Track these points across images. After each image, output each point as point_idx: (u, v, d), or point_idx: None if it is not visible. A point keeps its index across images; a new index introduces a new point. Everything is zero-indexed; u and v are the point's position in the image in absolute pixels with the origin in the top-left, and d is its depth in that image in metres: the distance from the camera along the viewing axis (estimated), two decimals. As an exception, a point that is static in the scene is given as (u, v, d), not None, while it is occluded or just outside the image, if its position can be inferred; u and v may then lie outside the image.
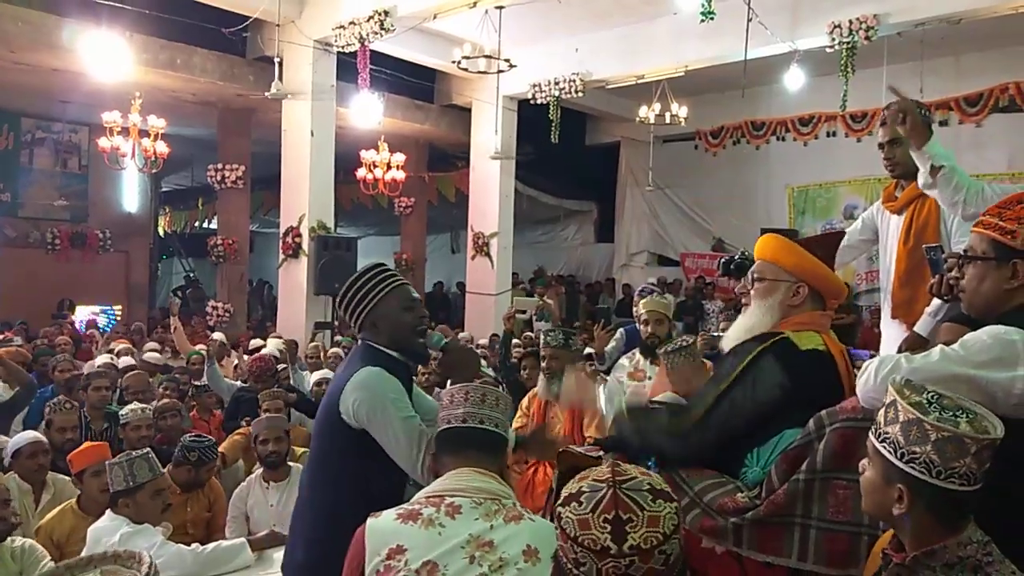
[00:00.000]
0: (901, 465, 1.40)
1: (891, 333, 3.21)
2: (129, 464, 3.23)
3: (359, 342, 2.48)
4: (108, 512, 3.23)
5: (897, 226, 3.14)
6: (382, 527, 1.72)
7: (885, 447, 1.43)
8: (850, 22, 8.12)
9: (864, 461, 1.53)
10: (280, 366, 6.12)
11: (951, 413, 1.41)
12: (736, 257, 3.06)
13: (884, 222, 3.26)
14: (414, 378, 2.56)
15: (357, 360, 2.38)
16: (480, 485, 1.77)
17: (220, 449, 4.54)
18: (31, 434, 4.03)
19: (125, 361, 6.64)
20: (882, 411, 1.47)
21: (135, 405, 4.53)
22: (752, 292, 2.20)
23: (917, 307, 3.01)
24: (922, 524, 1.43)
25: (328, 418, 2.35)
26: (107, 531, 3.12)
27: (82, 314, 12.86)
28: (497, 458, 1.85)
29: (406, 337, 2.37)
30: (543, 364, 4.08)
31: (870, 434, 1.50)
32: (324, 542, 2.27)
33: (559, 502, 1.23)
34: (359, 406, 2.24)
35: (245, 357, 7.47)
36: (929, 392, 1.46)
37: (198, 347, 7.51)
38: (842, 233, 2.40)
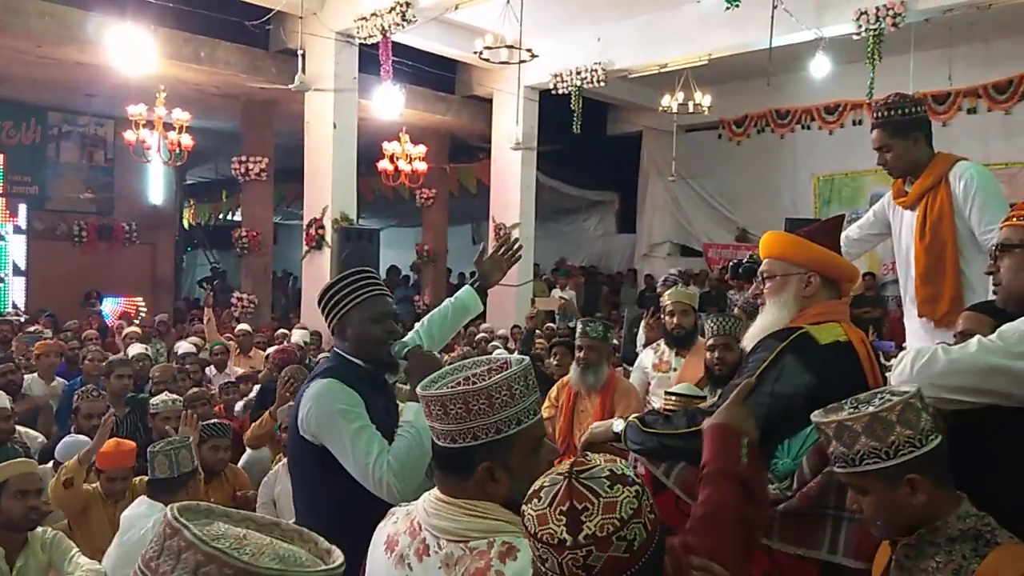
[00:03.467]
0: (894, 461, 1.48)
1: (918, 331, 3.14)
2: (152, 455, 3.29)
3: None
4: (142, 499, 3.29)
5: (911, 222, 3.07)
6: (375, 550, 1.53)
7: (869, 463, 1.50)
8: (877, 8, 8.00)
9: (853, 498, 1.58)
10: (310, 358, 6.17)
11: (878, 398, 1.53)
12: (744, 261, 3.03)
13: (896, 217, 3.19)
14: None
15: (320, 370, 2.38)
16: (441, 524, 1.42)
17: (246, 436, 4.59)
18: (80, 438, 4.05)
19: (186, 348, 6.77)
20: (835, 446, 1.54)
21: (166, 396, 4.57)
22: (765, 291, 2.20)
23: (942, 303, 2.96)
24: (937, 499, 1.50)
25: (292, 434, 2.30)
26: (141, 516, 3.17)
27: (108, 305, 13.03)
28: (461, 478, 1.43)
29: (370, 349, 2.32)
30: (580, 355, 4.04)
31: (844, 472, 1.55)
32: None
33: (524, 500, 1.21)
34: (310, 420, 2.20)
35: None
36: (846, 402, 1.58)
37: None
38: (842, 217, 2.36)
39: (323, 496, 2.23)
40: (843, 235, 3.38)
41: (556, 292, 12.13)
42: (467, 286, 2.83)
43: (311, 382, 2.29)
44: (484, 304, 2.90)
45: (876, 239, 3.42)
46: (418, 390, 1.48)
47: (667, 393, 3.10)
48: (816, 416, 1.59)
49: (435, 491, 1.48)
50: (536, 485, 1.20)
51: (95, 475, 3.71)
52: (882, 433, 1.47)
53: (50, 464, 3.97)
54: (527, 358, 1.53)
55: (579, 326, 4.19)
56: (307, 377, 2.47)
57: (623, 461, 1.22)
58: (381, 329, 2.30)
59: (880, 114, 3.01)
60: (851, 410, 1.54)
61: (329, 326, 2.38)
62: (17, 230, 12.42)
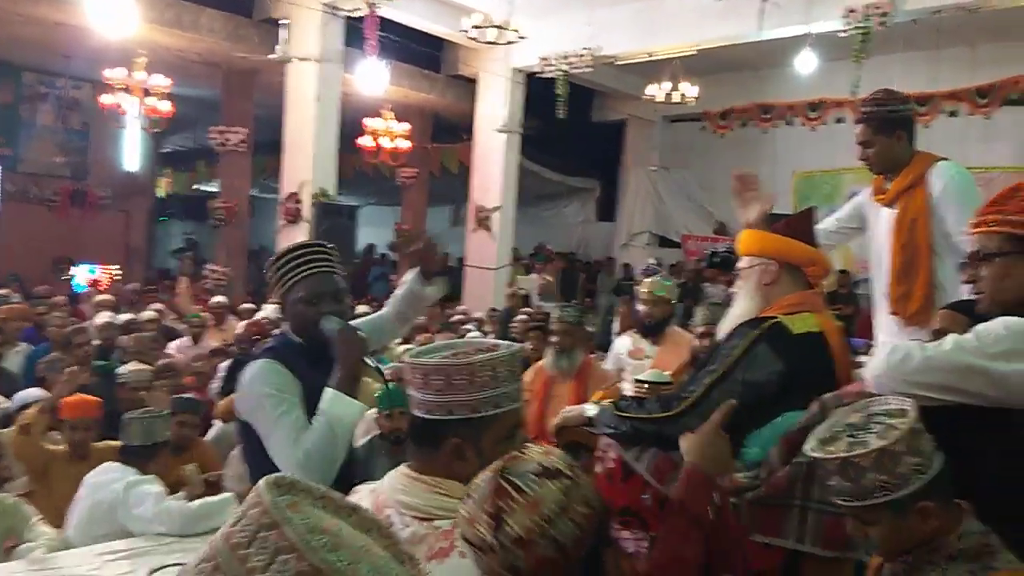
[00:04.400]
0: (905, 491, 1.42)
1: (888, 327, 3.17)
2: (128, 422, 3.27)
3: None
4: (112, 464, 3.28)
5: (888, 220, 3.08)
6: None
7: (878, 496, 1.43)
8: (865, 7, 8.03)
9: (855, 531, 1.53)
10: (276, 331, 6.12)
11: (878, 427, 1.47)
12: (721, 250, 3.04)
13: (874, 213, 3.20)
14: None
15: (262, 349, 2.39)
16: (406, 499, 1.42)
17: (217, 409, 4.55)
18: (37, 392, 4.03)
19: (124, 318, 6.66)
20: (838, 481, 1.48)
21: (135, 365, 4.51)
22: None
23: (913, 301, 2.99)
24: (944, 521, 1.46)
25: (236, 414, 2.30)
26: (114, 481, 3.15)
27: (82, 274, 12.82)
28: (431, 450, 1.44)
29: (306, 329, 2.20)
30: (554, 339, 4.07)
31: (849, 506, 1.48)
32: None
33: (463, 500, 1.20)
34: (242, 401, 2.19)
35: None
36: (838, 432, 1.52)
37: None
38: (811, 209, 2.39)
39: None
40: (819, 227, 3.41)
41: (534, 276, 12.13)
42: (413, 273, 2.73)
43: (252, 361, 2.24)
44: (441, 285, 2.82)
45: (853, 233, 3.44)
46: (404, 358, 1.47)
47: (636, 380, 3.13)
48: (813, 450, 1.54)
49: (403, 467, 1.47)
50: (473, 484, 1.19)
51: (60, 427, 3.68)
52: (891, 465, 1.42)
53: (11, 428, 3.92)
54: (518, 345, 1.53)
55: (553, 311, 4.21)
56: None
57: (560, 453, 1.19)
58: (315, 311, 2.16)
59: (866, 109, 3.01)
60: (850, 440, 1.48)
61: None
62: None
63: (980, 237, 1.78)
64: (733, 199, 2.58)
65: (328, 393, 2.05)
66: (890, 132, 2.95)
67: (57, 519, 3.27)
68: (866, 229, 3.31)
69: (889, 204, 3.07)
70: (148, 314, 7.20)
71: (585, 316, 4.25)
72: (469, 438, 1.40)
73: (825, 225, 3.41)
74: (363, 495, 1.53)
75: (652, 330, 4.41)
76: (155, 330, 6.66)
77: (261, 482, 0.76)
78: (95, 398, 3.78)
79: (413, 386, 1.44)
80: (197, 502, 3.29)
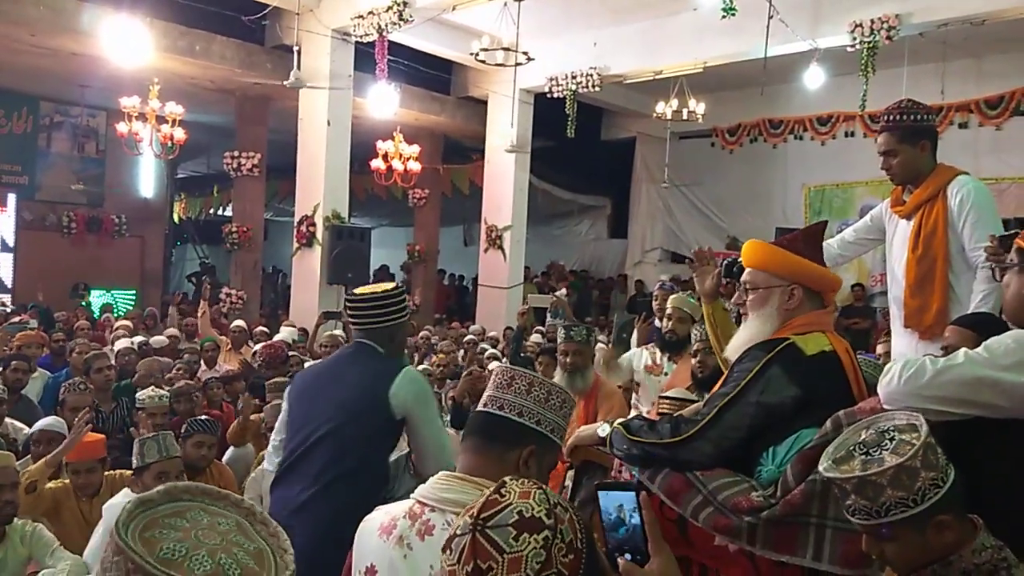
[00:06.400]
0: (922, 507, 1.41)
1: (903, 341, 3.16)
2: (141, 444, 3.31)
3: (355, 343, 2.85)
4: (125, 489, 3.29)
5: (905, 232, 3.07)
6: (366, 538, 1.57)
7: (896, 512, 1.43)
8: (872, 21, 8.06)
9: (871, 548, 1.52)
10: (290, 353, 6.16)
11: (890, 443, 1.47)
12: (738, 260, 3.03)
13: (892, 225, 3.20)
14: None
15: (372, 359, 2.75)
16: (453, 497, 1.47)
17: (230, 432, 4.57)
18: (54, 419, 4.05)
19: (138, 340, 6.73)
20: (854, 500, 1.47)
21: (152, 391, 4.54)
22: (747, 303, 2.15)
23: (928, 315, 2.98)
24: (960, 534, 1.45)
25: (370, 409, 2.66)
26: (120, 506, 3.16)
27: (96, 298, 12.95)
28: (505, 449, 1.53)
29: (402, 353, 2.94)
30: (566, 359, 3.97)
31: (866, 524, 1.48)
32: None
33: (443, 548, 1.18)
34: (406, 396, 2.66)
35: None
36: (851, 450, 1.52)
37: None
38: (824, 223, 2.34)
39: (380, 464, 2.76)
40: (839, 237, 3.41)
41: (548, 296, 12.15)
42: None
43: (378, 368, 2.70)
44: None
45: (870, 244, 3.44)
46: (507, 363, 1.69)
47: (660, 397, 3.12)
48: (826, 470, 1.53)
49: (443, 472, 1.55)
50: (450, 531, 1.18)
51: (64, 469, 3.69)
52: (908, 482, 1.42)
53: (30, 457, 3.95)
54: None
55: (560, 332, 4.16)
56: (354, 363, 2.80)
57: (541, 495, 1.15)
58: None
59: (891, 118, 2.99)
60: (863, 458, 1.47)
61: (374, 324, 2.74)
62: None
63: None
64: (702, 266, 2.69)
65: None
66: (915, 142, 2.95)
67: (72, 551, 3.28)
68: (883, 241, 3.30)
69: (907, 216, 3.07)
70: (160, 339, 7.24)
71: (592, 334, 4.21)
72: (538, 452, 1.56)
73: (844, 235, 3.41)
74: (390, 508, 1.57)
75: (672, 346, 4.36)
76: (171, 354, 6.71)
77: (116, 520, 0.90)
78: (98, 435, 3.76)
79: (511, 390, 1.59)
80: None
